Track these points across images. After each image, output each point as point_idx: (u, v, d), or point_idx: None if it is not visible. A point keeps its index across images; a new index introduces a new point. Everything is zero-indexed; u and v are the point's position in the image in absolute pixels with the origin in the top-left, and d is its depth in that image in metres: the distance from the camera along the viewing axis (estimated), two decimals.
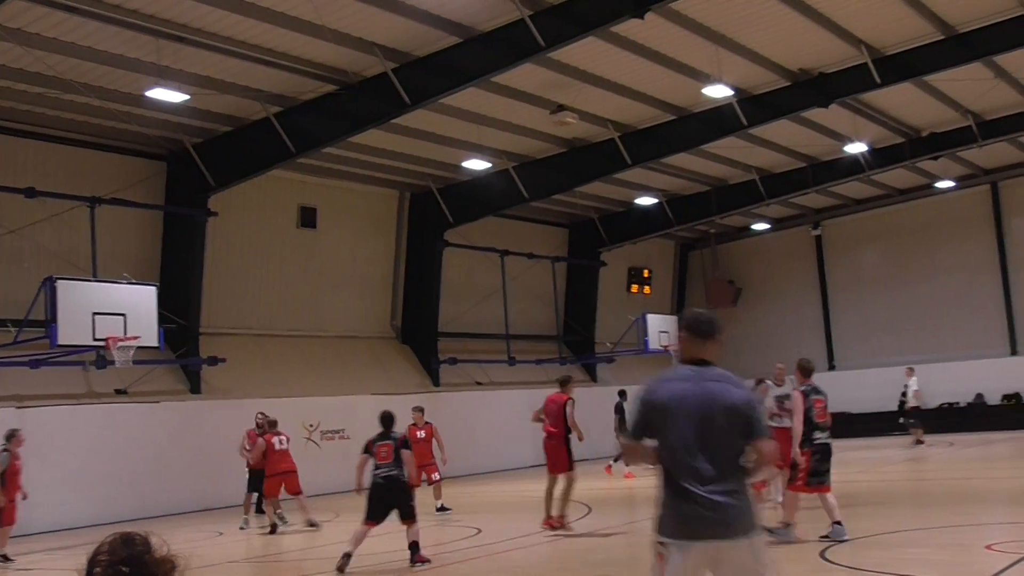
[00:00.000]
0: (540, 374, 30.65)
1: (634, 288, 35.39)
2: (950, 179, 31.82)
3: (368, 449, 11.36)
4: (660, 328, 30.10)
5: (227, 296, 23.84)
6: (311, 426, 23.47)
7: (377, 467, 11.13)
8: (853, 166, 28.74)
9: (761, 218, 35.35)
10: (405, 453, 11.16)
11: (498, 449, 28.03)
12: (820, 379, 29.88)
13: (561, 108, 22.17)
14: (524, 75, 19.94)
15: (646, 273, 36.01)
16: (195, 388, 22.41)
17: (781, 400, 13.07)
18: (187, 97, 18.16)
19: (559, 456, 13.61)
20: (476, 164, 24.97)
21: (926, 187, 32.65)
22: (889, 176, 31.19)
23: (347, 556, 10.71)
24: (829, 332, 35.82)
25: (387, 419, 11.51)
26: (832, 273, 35.93)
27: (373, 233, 27.26)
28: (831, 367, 35.19)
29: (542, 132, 24.08)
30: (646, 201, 30.83)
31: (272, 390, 22.86)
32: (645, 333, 29.37)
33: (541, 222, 31.87)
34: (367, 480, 11.19)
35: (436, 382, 27.50)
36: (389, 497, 10.96)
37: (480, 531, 14.12)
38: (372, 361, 26.62)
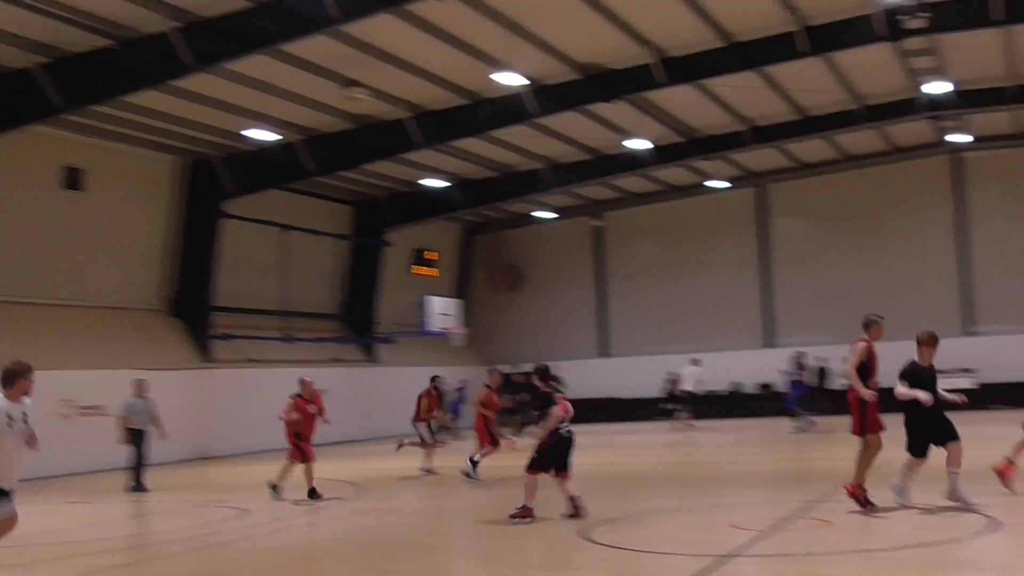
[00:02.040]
0: (319, 352, 30.15)
1: (418, 270, 35.35)
2: (722, 179, 33.57)
3: None
4: (441, 310, 30.24)
5: None
6: (66, 401, 21.94)
7: None
8: (634, 161, 29.79)
9: (545, 206, 36.09)
10: None
11: (272, 428, 27.25)
12: (594, 365, 30.69)
13: (352, 84, 21.78)
14: (316, 47, 19.41)
15: (431, 255, 36.03)
16: None
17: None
18: None
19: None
20: (261, 134, 24.15)
21: (700, 186, 34.29)
22: (667, 173, 32.58)
23: None
24: (605, 320, 37.08)
25: None
26: (610, 263, 37.18)
27: (146, 200, 25.85)
28: (605, 354, 36.44)
29: (332, 107, 23.56)
30: (434, 183, 30.84)
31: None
32: (426, 315, 29.42)
33: (326, 198, 31.25)
34: None
35: (208, 358, 26.47)
36: None
37: (248, 511, 13.68)
38: (139, 335, 25.27)
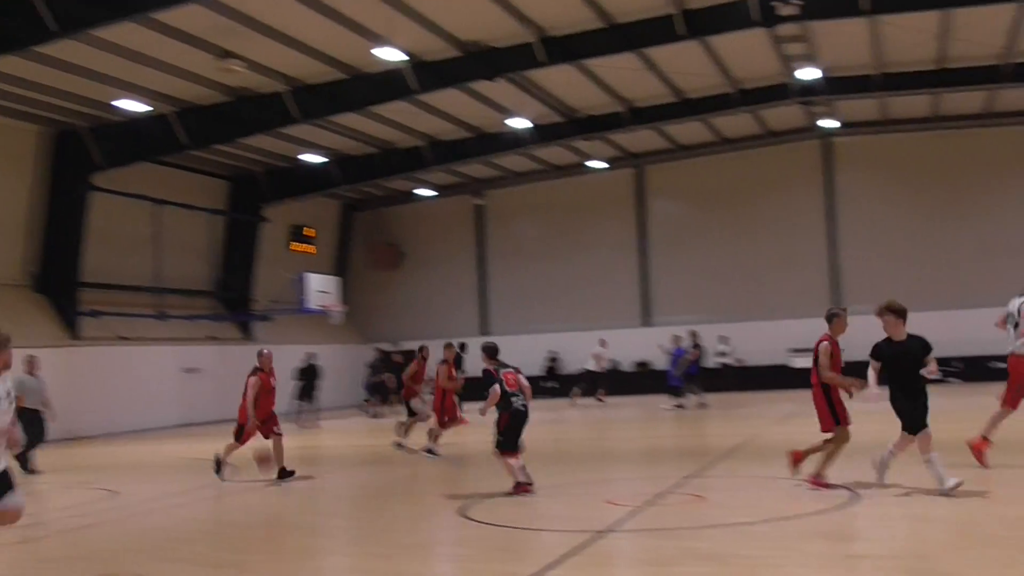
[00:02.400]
0: (193, 330, 29.39)
1: (296, 246, 34.72)
2: (601, 160, 33.95)
3: None
4: (320, 288, 29.81)
5: None
6: None
7: None
8: (515, 140, 29.86)
9: (426, 184, 35.88)
10: None
11: (142, 408, 26.58)
12: (474, 343, 30.82)
13: (228, 55, 21.17)
14: (190, 16, 18.76)
15: (309, 232, 35.44)
16: None
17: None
18: None
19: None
20: (132, 105, 23.27)
21: (580, 166, 34.62)
22: (548, 152, 32.78)
23: None
24: (486, 299, 37.18)
25: None
26: (491, 242, 37.25)
27: (7, 171, 24.64)
28: (485, 332, 36.54)
29: (207, 78, 22.84)
30: (313, 159, 30.32)
31: None
32: (304, 292, 28.96)
33: (201, 172, 30.37)
34: None
35: (76, 335, 25.50)
36: None
37: (118, 493, 13.26)
38: (2, 311, 24.15)
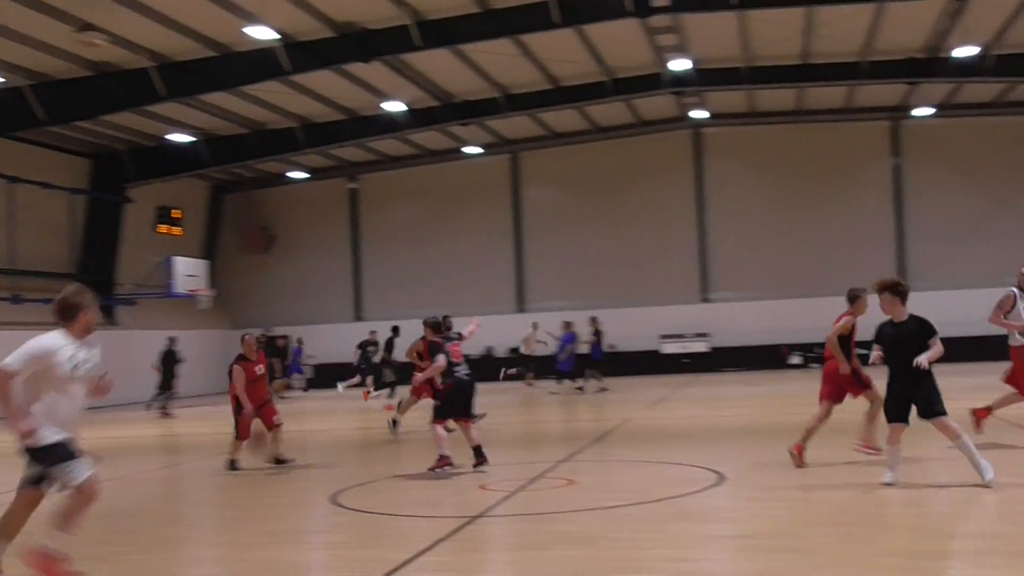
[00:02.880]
0: (51, 314, 28.15)
1: (163, 228, 33.63)
2: (477, 145, 33.94)
3: None
4: (188, 271, 29.00)
5: None
6: None
7: None
8: (391, 123, 29.59)
9: (299, 166, 35.24)
10: None
11: None
12: (348, 328, 30.27)
13: (89, 27, 20.32)
14: None
15: (177, 213, 34.36)
16: None
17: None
18: None
19: None
20: None
21: (455, 151, 34.54)
22: (423, 137, 32.60)
23: None
24: (360, 283, 36.79)
25: None
26: (365, 226, 36.87)
27: None
28: (359, 318, 36.17)
29: (66, 51, 21.88)
30: (180, 138, 29.39)
31: None
32: (171, 276, 28.11)
33: (60, 149, 29.08)
34: None
35: None
36: None
37: None
38: None
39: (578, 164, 34.91)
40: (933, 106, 31.17)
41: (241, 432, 12.39)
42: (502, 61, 25.13)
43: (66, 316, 6.62)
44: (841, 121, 32.89)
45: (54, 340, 6.48)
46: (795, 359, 31.69)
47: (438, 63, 25.04)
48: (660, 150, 34.36)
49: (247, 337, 12.88)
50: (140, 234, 32.07)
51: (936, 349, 8.45)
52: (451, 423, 11.51)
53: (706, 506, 8.83)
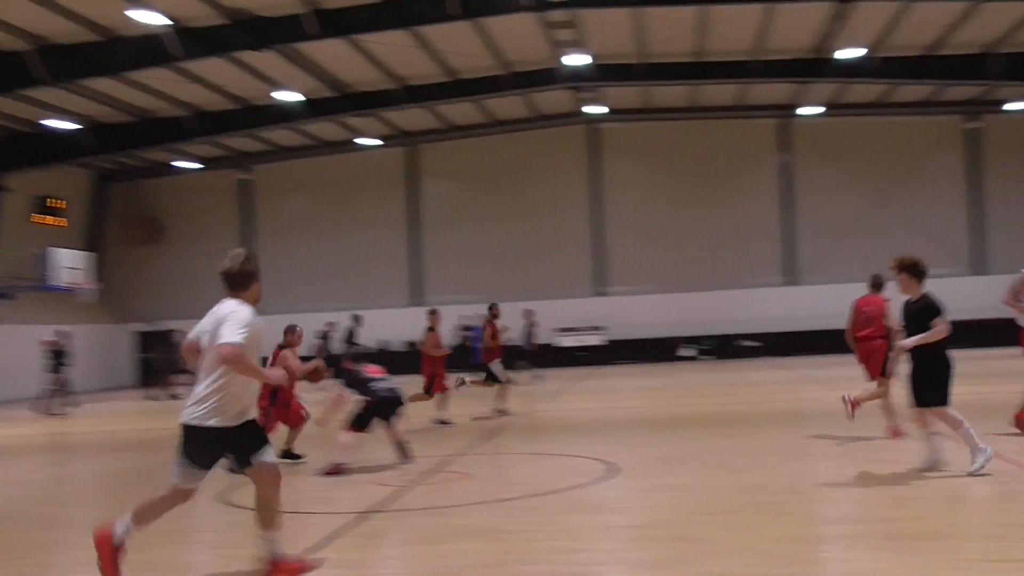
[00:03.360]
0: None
1: (41, 219, 32.21)
2: (373, 137, 33.59)
3: None
4: (68, 264, 27.96)
5: None
6: None
7: None
8: (284, 113, 29.04)
9: (189, 156, 34.33)
10: None
11: None
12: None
13: None
14: None
15: (58, 203, 33.02)
16: None
17: None
18: None
19: None
20: None
21: (351, 142, 34.13)
22: (318, 128, 32.11)
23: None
24: None
25: None
26: (259, 218, 36.17)
27: None
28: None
29: None
30: (61, 125, 28.28)
31: None
32: (50, 268, 27.07)
33: None
34: None
35: None
36: None
37: None
38: None
39: (476, 157, 34.87)
40: (820, 105, 32.07)
41: (294, 420, 12.07)
42: (400, 53, 24.88)
43: (240, 285, 6.31)
44: (733, 118, 33.59)
45: (250, 309, 6.14)
46: (687, 351, 32.28)
47: (334, 53, 24.66)
48: (557, 144, 34.56)
49: (299, 328, 12.60)
50: (16, 224, 30.71)
51: (927, 333, 8.46)
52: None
53: (600, 497, 8.87)
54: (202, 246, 35.89)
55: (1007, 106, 31.55)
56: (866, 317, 11.32)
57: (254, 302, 6.29)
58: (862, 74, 27.62)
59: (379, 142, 34.07)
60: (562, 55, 26.05)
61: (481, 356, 16.74)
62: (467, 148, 34.88)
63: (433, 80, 28.03)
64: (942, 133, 33.33)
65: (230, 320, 6.02)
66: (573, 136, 34.54)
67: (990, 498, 7.97)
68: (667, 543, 6.81)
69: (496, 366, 16.67)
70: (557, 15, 23.08)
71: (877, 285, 11.49)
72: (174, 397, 25.13)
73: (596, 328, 33.36)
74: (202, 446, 6.10)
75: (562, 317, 33.34)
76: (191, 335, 6.32)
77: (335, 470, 10.73)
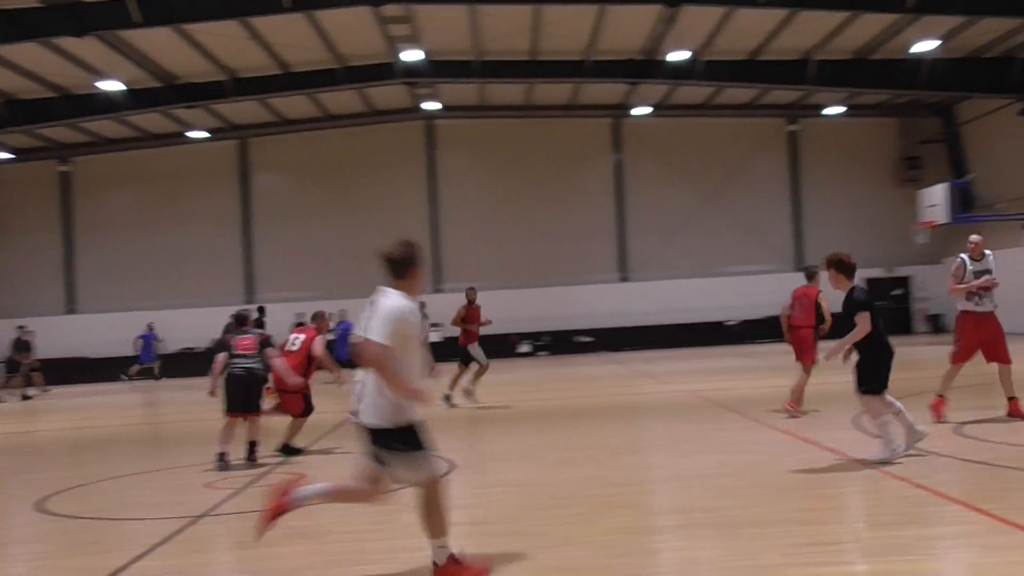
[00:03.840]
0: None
1: None
2: (203, 129, 32.58)
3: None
4: None
5: None
6: None
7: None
8: (107, 104, 27.85)
9: (2, 146, 32.44)
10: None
11: None
12: (60, 322, 28.12)
13: None
14: None
15: None
16: None
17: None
18: None
19: None
20: None
21: (179, 135, 33.00)
22: (144, 119, 30.94)
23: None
24: (72, 274, 34.42)
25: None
26: (79, 212, 34.55)
27: None
28: (72, 310, 33.88)
29: None
30: None
31: None
32: None
33: None
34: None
35: None
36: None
37: None
38: None
39: (310, 152, 34.32)
40: (650, 105, 33.04)
41: (301, 408, 11.75)
42: (229, 44, 24.24)
43: (400, 273, 5.91)
44: (567, 117, 34.21)
45: (404, 302, 5.71)
46: (524, 347, 32.67)
47: (160, 42, 23.81)
48: (393, 140, 34.37)
49: (327, 315, 12.65)
50: None
51: (850, 334, 8.69)
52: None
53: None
54: (17, 241, 34.12)
55: (825, 111, 33.34)
56: (801, 307, 12.47)
57: (415, 293, 6.01)
58: (690, 76, 28.62)
59: (208, 135, 33.08)
60: (398, 50, 25.94)
61: (460, 339, 16.76)
62: (301, 142, 34.29)
63: (265, 72, 27.44)
64: (766, 134, 34.90)
65: (380, 315, 5.76)
66: (410, 132, 34.43)
67: (813, 484, 8.39)
68: (503, 538, 6.89)
69: (475, 348, 16.58)
70: (391, 9, 22.96)
71: (810, 276, 12.63)
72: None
73: (434, 324, 33.36)
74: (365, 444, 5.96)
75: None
76: (357, 331, 5.92)
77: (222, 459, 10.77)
